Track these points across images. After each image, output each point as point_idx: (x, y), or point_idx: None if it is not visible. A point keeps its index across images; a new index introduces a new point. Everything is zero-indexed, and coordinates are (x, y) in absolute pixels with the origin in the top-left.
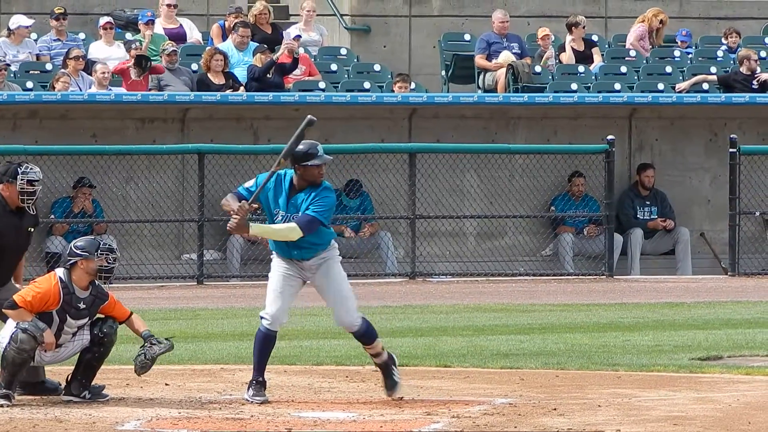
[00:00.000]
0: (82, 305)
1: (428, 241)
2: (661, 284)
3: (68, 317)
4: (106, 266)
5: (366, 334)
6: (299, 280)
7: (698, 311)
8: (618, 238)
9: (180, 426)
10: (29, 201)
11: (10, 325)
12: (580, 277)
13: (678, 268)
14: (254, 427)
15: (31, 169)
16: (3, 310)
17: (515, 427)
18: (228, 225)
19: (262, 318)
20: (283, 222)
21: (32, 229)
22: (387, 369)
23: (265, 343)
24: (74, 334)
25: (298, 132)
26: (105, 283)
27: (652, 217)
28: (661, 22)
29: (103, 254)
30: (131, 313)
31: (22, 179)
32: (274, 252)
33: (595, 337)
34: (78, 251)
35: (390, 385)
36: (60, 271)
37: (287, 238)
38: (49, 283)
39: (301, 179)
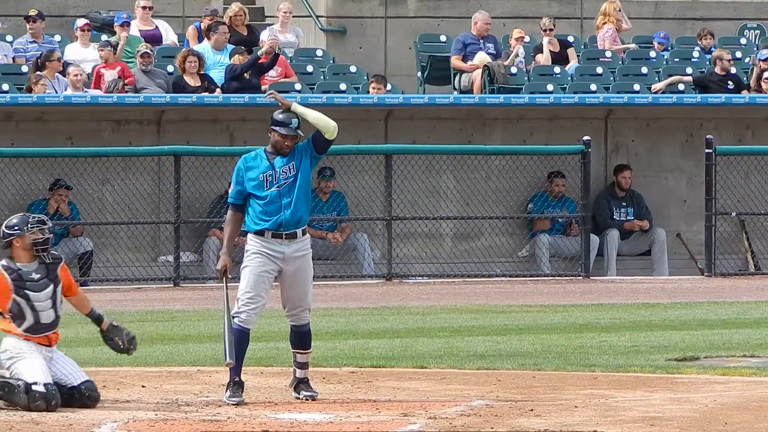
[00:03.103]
0: (36, 275)
1: (405, 243)
2: (638, 285)
3: (28, 292)
4: (40, 239)
5: (309, 335)
6: (274, 275)
7: (675, 312)
8: (594, 239)
9: (157, 428)
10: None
11: (41, 373)
12: (557, 278)
13: (654, 269)
14: (231, 429)
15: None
16: None
17: (492, 427)
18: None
19: (234, 316)
20: (275, 187)
21: None
22: (307, 383)
23: (240, 342)
24: (53, 303)
25: None
26: (44, 256)
27: (629, 218)
28: (619, 11)
29: (34, 227)
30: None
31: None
32: (253, 239)
33: (572, 338)
34: (8, 231)
35: (310, 391)
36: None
37: (327, 124)
38: None
39: (272, 144)
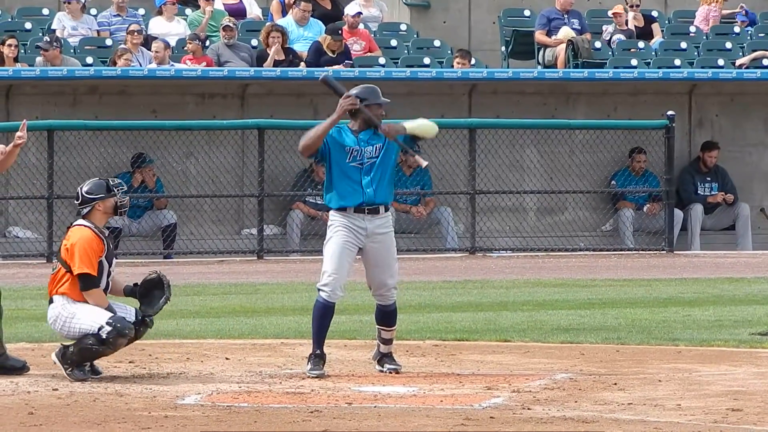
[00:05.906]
0: (111, 245)
1: (488, 217)
2: (722, 259)
3: (109, 260)
4: (122, 201)
5: (395, 314)
6: (357, 248)
7: (758, 286)
8: (678, 214)
9: (240, 400)
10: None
11: (98, 315)
12: (641, 252)
13: (738, 244)
14: (314, 402)
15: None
16: (84, 293)
17: (576, 401)
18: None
19: (320, 290)
20: (357, 163)
21: None
22: (391, 356)
23: (324, 315)
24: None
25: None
26: (122, 217)
27: (713, 193)
28: None
29: (118, 189)
30: None
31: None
32: (335, 214)
33: (656, 312)
34: (93, 195)
35: (393, 364)
36: (82, 222)
37: (429, 131)
38: (81, 233)
39: (362, 120)
